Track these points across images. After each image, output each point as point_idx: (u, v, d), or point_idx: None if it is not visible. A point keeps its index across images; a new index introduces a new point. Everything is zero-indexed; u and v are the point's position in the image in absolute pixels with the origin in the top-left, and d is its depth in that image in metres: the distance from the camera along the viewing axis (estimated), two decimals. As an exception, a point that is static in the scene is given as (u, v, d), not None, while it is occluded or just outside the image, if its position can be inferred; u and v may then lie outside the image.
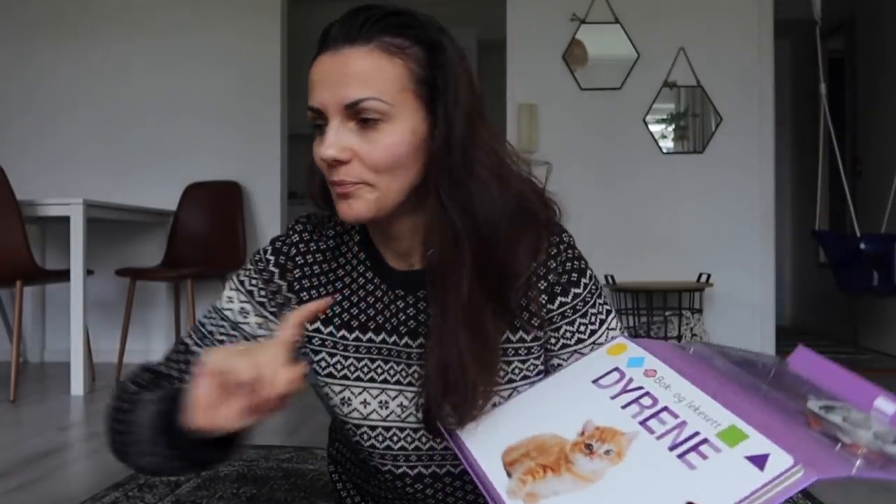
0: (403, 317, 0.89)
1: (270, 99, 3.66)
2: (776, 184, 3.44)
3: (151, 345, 3.62)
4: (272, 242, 0.95)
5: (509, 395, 0.85)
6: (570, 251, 0.91)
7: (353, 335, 0.90)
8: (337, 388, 0.90)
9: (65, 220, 2.86)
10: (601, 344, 0.87)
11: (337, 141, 0.77)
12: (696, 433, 0.60)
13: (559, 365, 0.89)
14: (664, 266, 3.37)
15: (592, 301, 0.91)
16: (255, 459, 1.81)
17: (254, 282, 0.92)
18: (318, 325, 0.91)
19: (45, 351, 3.73)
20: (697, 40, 3.41)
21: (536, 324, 0.88)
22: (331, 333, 0.91)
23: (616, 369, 0.74)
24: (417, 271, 0.88)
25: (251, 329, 0.91)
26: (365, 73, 0.77)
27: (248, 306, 0.91)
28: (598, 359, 0.78)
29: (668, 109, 3.43)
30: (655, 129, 3.43)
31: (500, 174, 0.82)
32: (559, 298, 0.88)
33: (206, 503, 1.49)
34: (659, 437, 0.62)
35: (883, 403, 0.68)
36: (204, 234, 3.54)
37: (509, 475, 0.68)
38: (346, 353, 0.90)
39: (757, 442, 0.56)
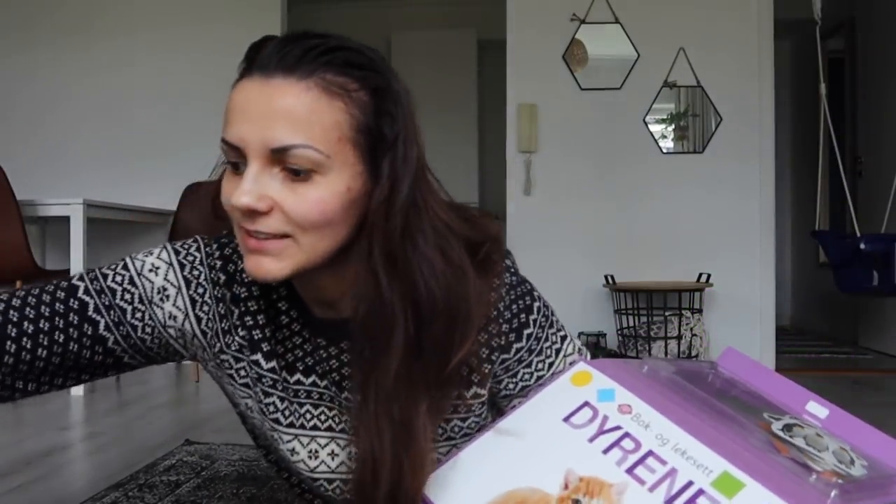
0: (327, 367, 0.81)
1: (270, 99, 3.65)
2: (776, 184, 3.44)
3: (151, 345, 3.62)
4: (221, 246, 0.83)
5: (448, 452, 0.79)
6: (514, 290, 0.81)
7: (294, 377, 0.81)
8: (286, 437, 0.83)
9: (65, 220, 2.86)
10: (560, 372, 0.79)
11: (256, 188, 0.65)
12: (690, 483, 0.55)
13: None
14: (664, 266, 3.37)
15: (545, 335, 0.83)
16: (255, 459, 1.81)
17: (196, 273, 0.80)
18: (258, 356, 0.81)
19: (46, 351, 3.73)
20: (697, 40, 3.41)
21: (476, 380, 0.79)
22: (273, 370, 0.81)
23: (587, 404, 0.67)
24: (342, 320, 0.77)
25: (161, 316, 0.78)
26: (300, 113, 0.64)
27: (172, 291, 0.79)
28: (562, 391, 0.70)
29: (668, 109, 3.43)
30: (655, 128, 3.43)
31: (445, 243, 0.71)
32: (514, 345, 0.80)
33: (206, 503, 1.49)
34: (651, 489, 0.57)
35: (815, 408, 0.68)
36: (204, 234, 3.54)
37: None
38: (292, 399, 0.81)
39: (754, 492, 0.53)
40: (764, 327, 3.36)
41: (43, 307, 0.75)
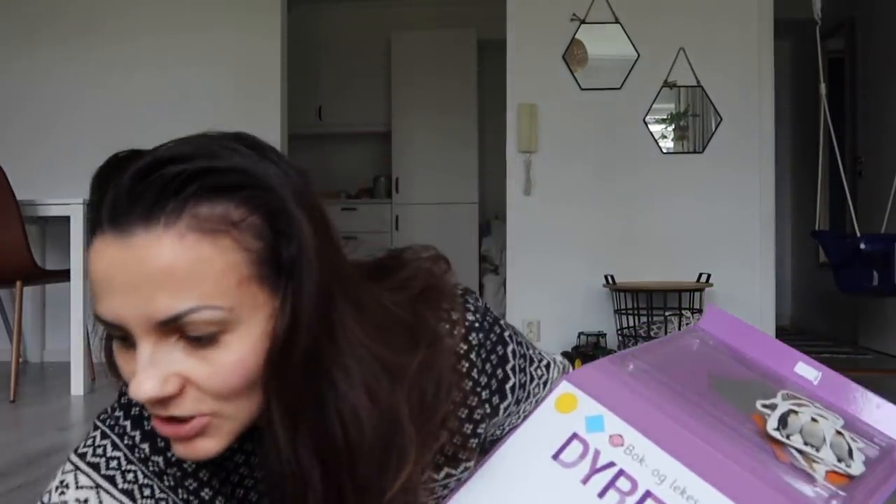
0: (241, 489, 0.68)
1: (270, 99, 3.66)
2: (776, 184, 3.44)
3: (151, 345, 3.62)
4: (126, 412, 0.67)
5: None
6: (483, 348, 0.69)
7: None
8: None
9: (65, 220, 2.86)
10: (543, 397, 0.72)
11: (156, 371, 0.51)
12: None
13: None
14: (664, 266, 3.37)
15: (528, 376, 0.74)
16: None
17: (131, 477, 0.63)
18: None
19: (45, 351, 3.73)
20: (697, 40, 3.41)
21: (465, 457, 0.70)
22: None
23: (575, 436, 0.62)
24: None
25: None
26: (179, 271, 0.49)
27: None
28: (547, 420, 0.64)
29: (668, 109, 3.43)
30: (655, 129, 3.43)
31: (370, 377, 0.57)
32: (500, 406, 0.71)
33: (205, 503, 1.48)
34: None
35: (804, 369, 0.67)
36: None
37: None
38: None
39: None
40: (764, 327, 3.35)
41: None
